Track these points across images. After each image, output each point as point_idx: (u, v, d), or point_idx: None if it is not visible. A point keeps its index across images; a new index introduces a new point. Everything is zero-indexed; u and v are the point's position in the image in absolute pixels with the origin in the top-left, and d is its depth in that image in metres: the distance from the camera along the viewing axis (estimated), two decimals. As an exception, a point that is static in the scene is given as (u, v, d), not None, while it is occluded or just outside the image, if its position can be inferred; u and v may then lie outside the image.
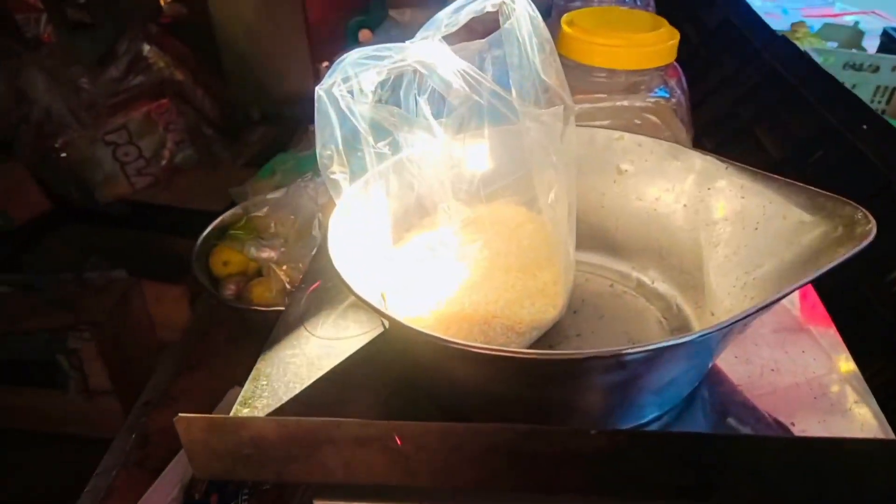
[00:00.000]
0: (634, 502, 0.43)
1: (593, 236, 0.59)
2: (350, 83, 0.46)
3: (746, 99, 0.90)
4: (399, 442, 0.40)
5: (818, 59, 0.85)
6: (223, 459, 0.42)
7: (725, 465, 0.37)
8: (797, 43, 1.09)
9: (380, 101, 0.49)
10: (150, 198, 1.92)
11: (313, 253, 0.65)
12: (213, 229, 0.79)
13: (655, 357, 0.37)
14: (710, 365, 0.46)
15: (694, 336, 0.36)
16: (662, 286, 0.56)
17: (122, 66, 1.84)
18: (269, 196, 0.79)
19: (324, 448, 0.41)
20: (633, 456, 0.38)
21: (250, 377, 0.51)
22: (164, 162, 1.94)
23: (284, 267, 0.70)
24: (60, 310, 1.70)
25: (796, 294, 0.55)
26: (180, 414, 0.41)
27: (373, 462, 0.41)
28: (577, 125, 0.52)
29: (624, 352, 0.35)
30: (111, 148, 1.86)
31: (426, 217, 0.56)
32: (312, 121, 0.47)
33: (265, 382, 0.50)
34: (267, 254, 0.72)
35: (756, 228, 0.50)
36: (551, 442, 0.38)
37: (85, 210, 1.91)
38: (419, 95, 0.49)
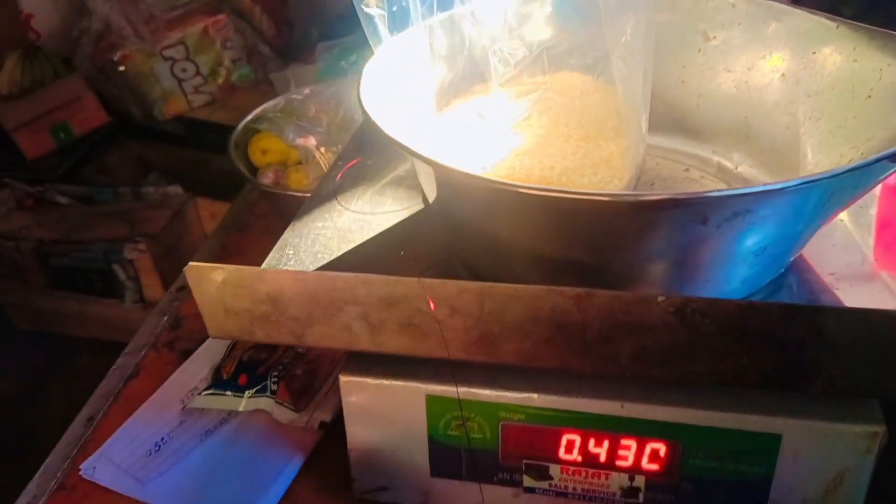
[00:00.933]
0: (707, 386, 0.37)
1: (669, 117, 0.51)
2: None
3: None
4: (432, 305, 0.35)
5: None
6: (239, 318, 0.38)
7: (823, 344, 0.31)
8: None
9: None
10: (207, 115, 1.91)
11: (353, 132, 0.60)
12: (252, 118, 0.75)
13: (742, 207, 0.30)
14: (800, 241, 0.38)
15: (793, 183, 0.29)
16: (748, 170, 0.48)
17: (181, -21, 1.81)
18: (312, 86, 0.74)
19: (347, 309, 0.36)
20: (709, 329, 0.32)
21: (276, 246, 0.46)
22: (220, 80, 1.91)
23: (323, 150, 0.65)
24: (118, 221, 1.73)
25: (871, 232, 0.45)
26: (191, 262, 0.37)
27: (402, 328, 0.36)
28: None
29: (707, 195, 0.29)
30: (169, 63, 1.84)
31: (477, 84, 0.49)
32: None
33: (291, 252, 0.46)
34: (307, 139, 0.67)
35: (869, 97, 0.42)
36: (609, 308, 0.32)
37: (143, 127, 1.92)
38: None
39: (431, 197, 0.43)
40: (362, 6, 0.40)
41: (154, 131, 1.91)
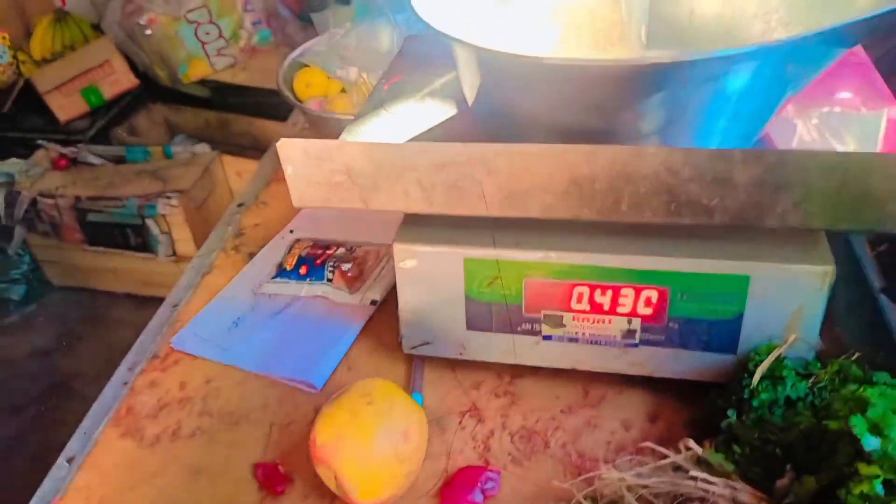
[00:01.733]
0: (683, 230, 0.47)
1: (665, 30, 0.59)
2: None
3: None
4: (472, 162, 0.45)
5: None
6: (319, 187, 0.48)
7: (775, 181, 0.40)
8: None
9: None
10: (230, 77, 1.99)
11: (395, 54, 0.69)
12: (297, 55, 0.84)
13: (713, 69, 0.39)
14: (764, 112, 0.48)
15: (760, 46, 0.39)
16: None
17: (202, -56, 1.88)
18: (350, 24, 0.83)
19: (406, 175, 0.46)
20: (688, 175, 0.41)
21: (343, 132, 0.56)
22: (242, 42, 2.00)
23: (365, 76, 0.74)
24: (150, 179, 1.82)
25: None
26: (283, 139, 0.47)
27: (449, 189, 0.46)
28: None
29: (684, 59, 0.38)
30: (193, 27, 1.93)
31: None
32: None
33: (353, 139, 0.56)
34: (347, 71, 0.76)
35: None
36: (612, 160, 0.42)
37: (169, 90, 2.01)
38: None
39: (470, 88, 0.52)
40: None
41: (179, 94, 2.00)
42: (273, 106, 1.80)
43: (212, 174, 1.89)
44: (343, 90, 0.78)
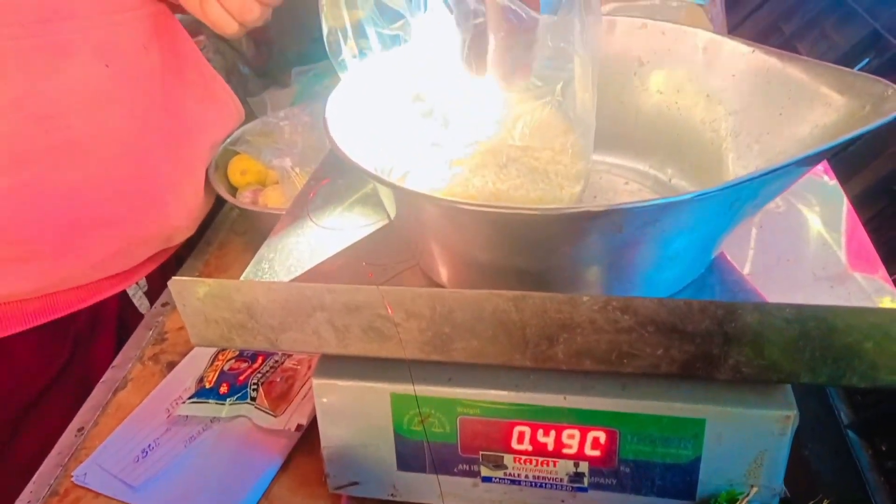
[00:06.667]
0: (629, 375, 0.42)
1: (610, 133, 0.56)
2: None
3: (789, 14, 0.84)
4: (390, 310, 0.39)
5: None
6: (219, 326, 0.42)
7: (725, 333, 0.36)
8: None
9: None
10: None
11: (325, 155, 0.64)
12: (231, 141, 0.79)
13: (652, 216, 0.35)
14: (711, 245, 0.43)
15: (691, 195, 0.34)
16: (679, 182, 0.54)
17: (160, 3, 1.85)
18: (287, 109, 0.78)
19: (316, 315, 0.41)
20: (628, 325, 0.36)
21: (253, 261, 0.51)
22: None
23: (298, 170, 0.69)
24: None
25: (843, 236, 0.50)
26: (174, 277, 0.41)
27: (364, 331, 0.41)
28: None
29: (618, 207, 0.33)
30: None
31: (429, 103, 0.54)
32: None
33: (267, 266, 0.50)
34: (283, 160, 0.71)
35: (780, 114, 0.47)
36: (543, 308, 0.37)
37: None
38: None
39: (392, 213, 0.47)
40: (337, 59, 0.45)
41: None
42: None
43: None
44: (277, 181, 0.73)
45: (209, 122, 0.74)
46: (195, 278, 0.41)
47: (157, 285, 0.77)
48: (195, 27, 2.00)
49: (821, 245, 0.48)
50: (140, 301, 0.77)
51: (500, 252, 0.40)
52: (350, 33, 0.47)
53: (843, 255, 0.47)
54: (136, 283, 0.76)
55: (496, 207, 0.35)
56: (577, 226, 0.35)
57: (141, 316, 0.74)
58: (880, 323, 0.34)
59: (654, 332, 0.36)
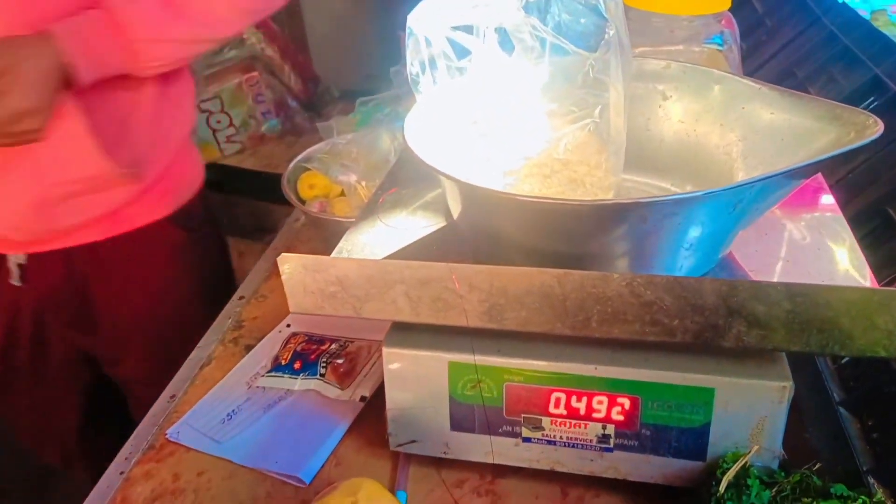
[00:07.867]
0: (651, 345, 0.50)
1: (638, 156, 0.65)
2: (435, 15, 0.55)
3: (802, 60, 0.94)
4: (457, 284, 0.49)
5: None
6: (314, 296, 0.52)
7: (728, 307, 0.44)
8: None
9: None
10: (238, 162, 2.07)
11: (390, 167, 0.75)
12: (302, 158, 0.90)
13: (670, 209, 0.44)
14: (722, 240, 0.52)
15: (703, 192, 0.44)
16: (696, 197, 0.63)
17: (220, 40, 2.01)
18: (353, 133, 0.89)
19: (395, 287, 0.50)
20: (649, 298, 0.45)
21: (335, 250, 0.60)
22: (251, 130, 2.09)
23: (364, 183, 0.80)
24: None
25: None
26: (283, 254, 0.51)
27: (434, 301, 0.50)
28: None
29: (642, 200, 0.43)
30: (206, 115, 2.03)
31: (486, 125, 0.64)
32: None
33: (346, 254, 0.60)
34: (349, 176, 0.82)
35: (782, 140, 0.56)
36: (581, 284, 0.46)
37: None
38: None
39: (456, 211, 0.57)
40: (417, 88, 0.56)
41: (189, 176, 2.08)
42: (277, 191, 1.87)
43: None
44: (342, 193, 0.84)
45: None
46: (300, 255, 0.51)
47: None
48: (249, 63, 2.14)
49: (817, 251, 0.57)
50: None
51: (547, 238, 0.49)
52: (427, 66, 0.58)
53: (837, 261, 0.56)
54: None
55: (546, 199, 0.45)
56: (610, 215, 0.45)
57: None
58: (854, 299, 0.43)
59: (670, 305, 0.45)
